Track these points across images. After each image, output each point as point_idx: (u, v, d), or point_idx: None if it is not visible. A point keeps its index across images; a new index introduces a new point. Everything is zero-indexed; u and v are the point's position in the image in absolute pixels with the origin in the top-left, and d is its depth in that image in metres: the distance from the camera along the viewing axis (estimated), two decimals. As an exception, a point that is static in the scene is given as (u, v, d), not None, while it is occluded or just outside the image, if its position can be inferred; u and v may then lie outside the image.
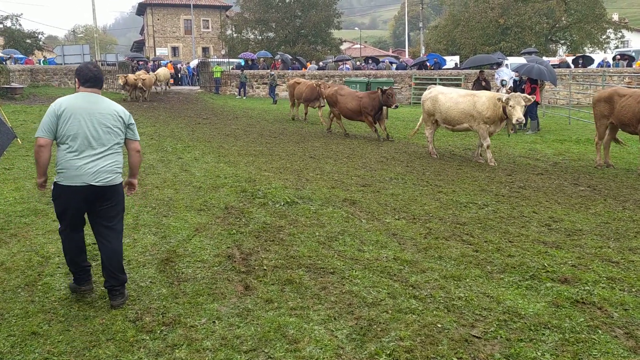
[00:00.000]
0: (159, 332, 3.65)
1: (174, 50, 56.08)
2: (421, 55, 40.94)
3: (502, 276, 4.55)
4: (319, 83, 16.49)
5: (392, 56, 49.97)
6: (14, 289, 4.33)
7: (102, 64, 30.85)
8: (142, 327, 3.70)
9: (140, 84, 22.49)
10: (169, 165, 9.46)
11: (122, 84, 22.66)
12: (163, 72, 28.07)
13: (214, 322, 3.80)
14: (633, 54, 29.98)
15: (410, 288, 4.33)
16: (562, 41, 44.03)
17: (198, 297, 4.19)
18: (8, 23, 40.79)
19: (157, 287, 4.38)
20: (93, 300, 4.12)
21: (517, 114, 9.32)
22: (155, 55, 49.20)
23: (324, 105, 16.55)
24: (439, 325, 3.71)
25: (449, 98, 10.45)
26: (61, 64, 30.43)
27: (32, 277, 4.55)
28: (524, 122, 9.47)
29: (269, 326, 3.72)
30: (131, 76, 23.06)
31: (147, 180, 8.21)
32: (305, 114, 17.84)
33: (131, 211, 6.49)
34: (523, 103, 9.37)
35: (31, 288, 4.34)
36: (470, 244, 5.39)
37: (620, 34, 43.52)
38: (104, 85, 26.54)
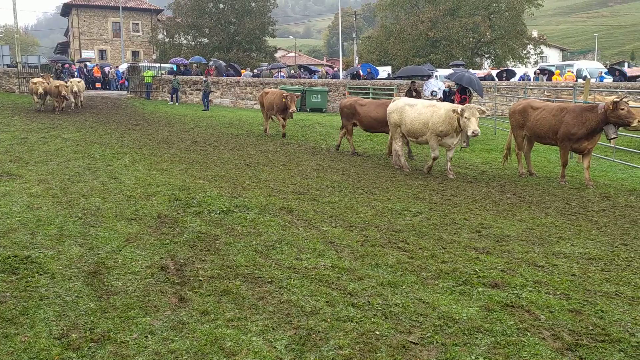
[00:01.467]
0: (86, 349, 3.45)
1: (102, 53, 54.00)
2: (355, 64, 41.70)
3: (436, 282, 4.66)
4: (286, 94, 15.04)
5: (327, 65, 50.57)
6: None
7: (23, 66, 29.13)
8: (68, 345, 3.48)
9: (63, 93, 19.09)
10: (96, 173, 9.04)
11: (41, 92, 18.96)
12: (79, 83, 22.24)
13: (146, 336, 3.63)
14: (554, 69, 31.92)
15: (349, 296, 4.34)
16: (487, 55, 46.30)
17: (129, 310, 4.00)
18: None
19: (84, 301, 4.14)
20: (14, 317, 3.83)
21: (473, 125, 9.02)
22: (80, 57, 47.10)
23: (291, 118, 15.51)
24: (377, 333, 3.73)
25: (415, 110, 10.19)
26: (-23, 65, 28.53)
27: (-58, 294, 4.18)
28: (479, 133, 9.28)
29: (205, 339, 3.61)
30: (40, 81, 19.31)
31: (72, 189, 7.80)
32: (283, 126, 15.54)
33: (55, 221, 6.14)
34: (478, 115, 9.11)
35: (-59, 306, 3.99)
36: (405, 251, 5.49)
37: (540, 49, 46.36)
38: (24, 89, 25.29)
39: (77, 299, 4.18)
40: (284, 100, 14.85)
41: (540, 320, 3.95)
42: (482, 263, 5.13)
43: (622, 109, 8.66)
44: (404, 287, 4.55)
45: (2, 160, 9.94)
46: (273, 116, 16.10)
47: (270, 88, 27.58)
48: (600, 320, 3.96)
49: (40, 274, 4.62)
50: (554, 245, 5.81)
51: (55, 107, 19.68)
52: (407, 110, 10.27)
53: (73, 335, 3.61)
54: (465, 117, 9.08)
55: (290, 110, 14.74)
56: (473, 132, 9.06)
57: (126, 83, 31.41)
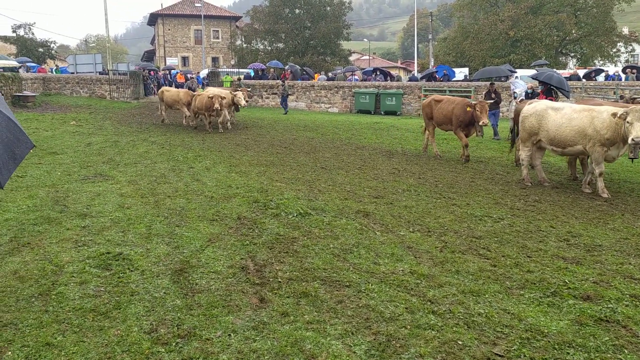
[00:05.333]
0: (174, 344, 3.59)
1: (184, 60, 56.46)
2: (430, 66, 41.00)
3: (522, 292, 4.46)
4: (473, 103, 11.44)
5: (401, 67, 50.03)
6: (28, 298, 4.29)
7: (113, 73, 31.02)
8: (157, 339, 3.65)
9: (216, 105, 15.68)
10: (180, 175, 9.44)
11: (217, 107, 15.69)
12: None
13: (229, 335, 3.73)
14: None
15: (429, 303, 4.25)
16: (572, 54, 43.99)
17: (213, 309, 4.13)
18: (21, 32, 41.30)
19: (171, 298, 4.32)
20: (107, 311, 4.07)
21: (635, 131, 7.53)
22: (165, 64, 49.54)
23: (479, 134, 11.86)
24: (460, 343, 3.62)
25: (562, 114, 8.67)
26: (73, 73, 30.68)
27: (45, 286, 4.52)
28: None
29: (286, 340, 3.65)
30: (217, 96, 15.92)
31: (159, 190, 8.19)
32: (466, 146, 11.78)
33: (144, 220, 6.46)
34: (629, 119, 7.61)
35: (45, 297, 4.30)
36: (487, 259, 5.31)
37: (631, 47, 43.46)
38: (116, 95, 26.89)
39: (164, 295, 4.37)
40: (469, 109, 11.34)
41: (638, 336, 3.68)
42: (572, 274, 4.86)
43: None
44: (487, 296, 4.39)
45: (96, 162, 10.61)
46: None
47: (345, 92, 27.64)
48: None
49: (131, 271, 4.87)
50: (653, 257, 5.40)
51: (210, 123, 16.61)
52: (551, 114, 8.79)
53: (162, 330, 3.78)
54: (628, 122, 7.62)
55: (480, 123, 11.14)
56: (633, 139, 7.55)
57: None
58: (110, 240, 5.70)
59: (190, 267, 4.99)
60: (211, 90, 17.33)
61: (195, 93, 17.70)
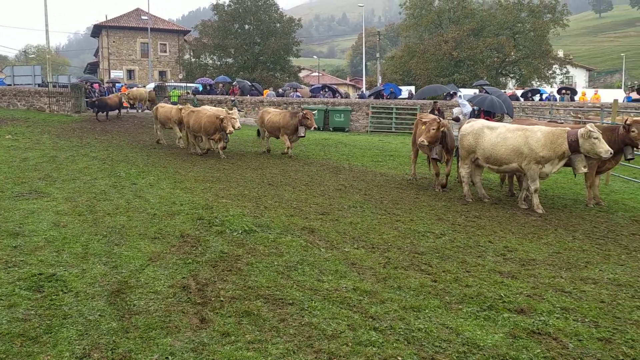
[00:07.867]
0: (108, 369, 3.46)
1: (130, 73, 55.28)
2: (378, 84, 41.84)
3: (460, 307, 4.57)
4: (424, 120, 10.34)
5: (350, 84, 50.71)
6: (-51, 324, 4.03)
7: (54, 86, 29.94)
8: (89, 365, 3.50)
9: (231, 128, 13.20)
10: (122, 191, 9.17)
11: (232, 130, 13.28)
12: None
13: (167, 358, 3.63)
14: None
15: (370, 319, 4.29)
16: (512, 75, 46.01)
17: (150, 331, 4.01)
18: (-46, 41, 39.28)
19: (106, 320, 4.16)
20: (37, 335, 3.87)
21: (604, 146, 7.91)
22: (109, 77, 48.28)
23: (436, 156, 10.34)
24: (399, 358, 3.67)
25: (497, 133, 9.01)
26: (10, 85, 29.39)
27: (-30, 310, 4.26)
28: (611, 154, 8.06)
29: (226, 361, 3.59)
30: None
31: (98, 207, 7.92)
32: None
33: (80, 239, 6.23)
34: (596, 135, 7.93)
35: (-32, 323, 4.05)
36: (428, 274, 5.41)
37: (565, 69, 45.88)
38: (56, 108, 25.93)
39: (99, 318, 4.20)
40: (423, 127, 9.99)
41: (568, 348, 3.84)
42: (508, 288, 5.03)
43: (634, 131, 8.59)
44: (427, 311, 4.47)
45: (31, 178, 10.17)
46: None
47: (294, 107, 27.77)
48: (631, 350, 3.82)
49: (65, 292, 4.67)
50: (582, 270, 5.67)
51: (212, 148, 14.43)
52: (487, 133, 9.14)
53: (95, 355, 3.63)
54: (595, 138, 7.94)
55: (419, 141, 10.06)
56: (608, 152, 7.93)
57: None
58: (43, 261, 5.44)
59: (129, 287, 4.84)
60: (209, 110, 14.81)
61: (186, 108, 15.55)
